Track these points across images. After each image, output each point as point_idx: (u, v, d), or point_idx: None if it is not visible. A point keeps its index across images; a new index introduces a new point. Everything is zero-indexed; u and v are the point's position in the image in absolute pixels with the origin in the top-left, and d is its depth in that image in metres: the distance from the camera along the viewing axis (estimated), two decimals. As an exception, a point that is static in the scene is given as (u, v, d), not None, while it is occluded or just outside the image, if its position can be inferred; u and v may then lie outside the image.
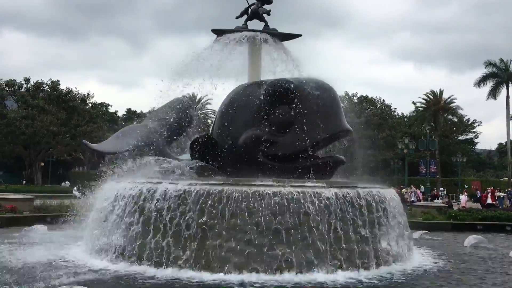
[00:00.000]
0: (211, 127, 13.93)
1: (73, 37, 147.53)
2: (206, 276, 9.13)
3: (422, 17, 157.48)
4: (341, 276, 9.41)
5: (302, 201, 9.57)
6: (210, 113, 64.97)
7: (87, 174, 52.44)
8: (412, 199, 37.03)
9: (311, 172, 11.37)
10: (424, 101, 73.44)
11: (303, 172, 11.38)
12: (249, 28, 14.70)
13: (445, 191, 54.11)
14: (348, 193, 10.15)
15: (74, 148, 59.54)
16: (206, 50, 13.92)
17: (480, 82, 65.82)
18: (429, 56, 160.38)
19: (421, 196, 41.54)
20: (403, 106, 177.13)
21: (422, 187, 46.81)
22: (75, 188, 35.68)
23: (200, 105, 64.08)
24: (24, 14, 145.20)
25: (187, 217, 9.60)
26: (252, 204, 9.45)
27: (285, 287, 8.66)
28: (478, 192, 49.64)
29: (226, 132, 12.28)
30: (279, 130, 11.61)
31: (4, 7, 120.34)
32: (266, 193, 9.55)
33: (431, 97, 72.71)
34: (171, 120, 13.68)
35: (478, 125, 78.45)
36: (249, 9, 14.85)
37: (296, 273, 9.29)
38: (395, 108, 77.08)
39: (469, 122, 77.20)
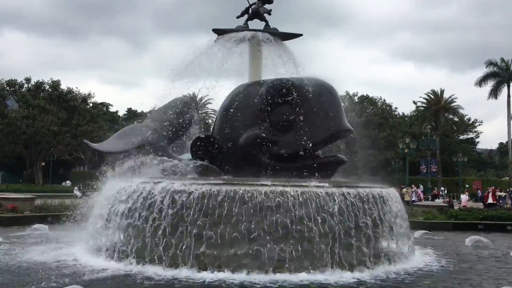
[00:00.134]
0: (212, 127, 13.92)
1: (73, 37, 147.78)
2: (207, 276, 9.13)
3: (423, 16, 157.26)
4: (344, 276, 9.40)
5: (307, 201, 9.56)
6: (211, 113, 65.02)
7: (88, 174, 52.46)
8: (413, 199, 37.05)
9: (312, 171, 11.35)
10: (424, 101, 73.39)
11: (304, 171, 11.36)
12: (250, 27, 14.69)
13: (446, 191, 54.06)
14: (349, 193, 10.14)
15: (75, 147, 59.59)
16: (206, 50, 13.92)
17: (481, 82, 65.70)
18: (430, 56, 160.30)
19: (421, 196, 41.55)
20: (404, 106, 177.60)
21: (421, 186, 46.77)
22: (75, 187, 35.83)
23: (200, 105, 64.12)
24: (25, 14, 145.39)
25: (188, 217, 9.58)
26: (252, 204, 9.44)
27: (287, 287, 8.65)
28: (479, 191, 49.59)
29: (226, 132, 12.27)
30: (280, 129, 11.61)
31: (5, 7, 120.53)
32: (266, 193, 9.52)
33: (432, 96, 72.63)
34: (172, 119, 13.67)
35: (479, 125, 78.47)
36: (250, 9, 14.84)
37: (298, 273, 9.29)
38: (396, 108, 77.35)
39: (470, 122, 77.11)
